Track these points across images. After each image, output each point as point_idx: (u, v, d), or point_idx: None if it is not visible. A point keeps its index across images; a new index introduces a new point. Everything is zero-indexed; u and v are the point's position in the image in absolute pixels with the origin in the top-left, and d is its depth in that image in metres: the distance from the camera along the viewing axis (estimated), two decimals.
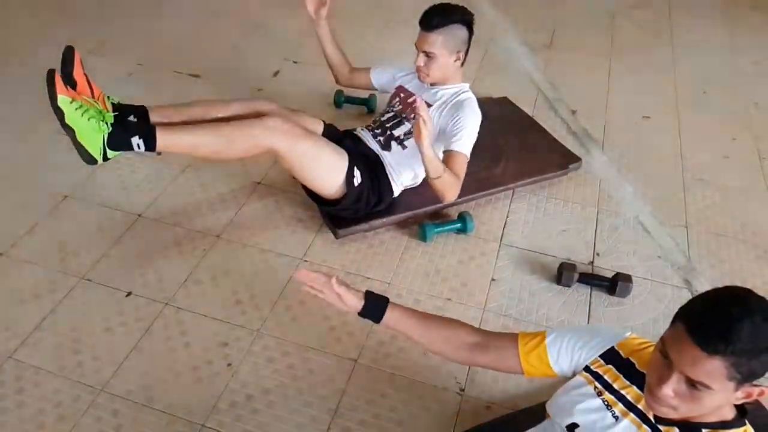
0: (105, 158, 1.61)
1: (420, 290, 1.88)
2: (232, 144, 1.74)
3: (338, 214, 2.01)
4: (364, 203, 1.97)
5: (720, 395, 0.92)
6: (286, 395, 1.58)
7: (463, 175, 1.88)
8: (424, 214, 2.09)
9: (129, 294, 1.80)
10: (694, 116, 2.76)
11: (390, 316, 1.28)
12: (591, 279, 1.92)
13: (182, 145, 1.71)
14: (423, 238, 2.03)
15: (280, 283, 1.87)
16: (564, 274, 1.89)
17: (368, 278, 1.91)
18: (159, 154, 2.27)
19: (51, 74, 1.52)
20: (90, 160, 1.60)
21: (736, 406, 1.03)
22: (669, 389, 0.94)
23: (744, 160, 2.52)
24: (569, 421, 1.12)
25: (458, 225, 2.05)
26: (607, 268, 1.99)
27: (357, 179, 1.91)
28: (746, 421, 1.02)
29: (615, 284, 1.87)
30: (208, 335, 1.70)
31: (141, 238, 1.98)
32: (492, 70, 2.98)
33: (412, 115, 2.04)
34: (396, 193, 2.05)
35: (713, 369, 0.89)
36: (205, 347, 1.67)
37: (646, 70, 3.09)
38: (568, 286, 1.91)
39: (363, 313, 1.29)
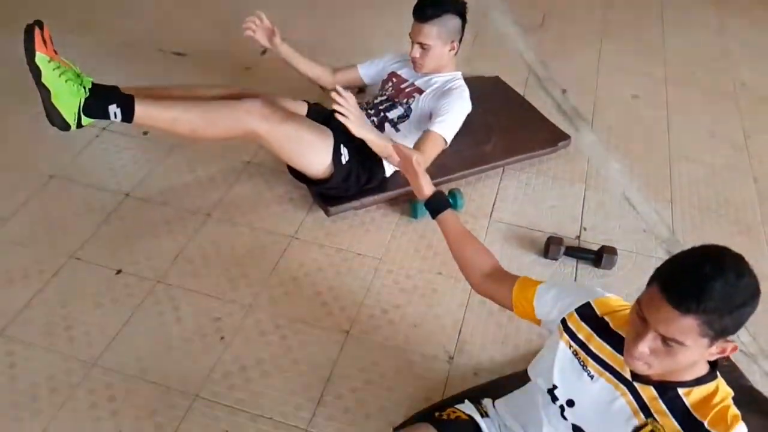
0: (79, 125, 1.56)
1: (411, 265, 1.90)
2: (211, 124, 1.72)
3: (328, 193, 2.02)
4: (354, 181, 1.98)
5: (694, 351, 0.94)
6: (279, 365, 1.60)
7: (432, 155, 1.89)
8: None
9: (119, 272, 1.80)
10: (682, 95, 2.79)
11: (445, 217, 1.38)
12: (577, 252, 1.95)
13: (160, 119, 1.67)
14: (414, 215, 2.05)
15: (271, 260, 1.88)
16: (551, 247, 1.92)
17: (359, 254, 1.92)
18: (145, 133, 2.29)
19: (30, 29, 1.45)
20: (63, 125, 1.54)
21: (709, 362, 1.05)
22: (645, 347, 0.96)
23: (730, 138, 2.56)
24: (550, 383, 1.15)
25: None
26: (593, 242, 2.02)
27: (344, 157, 1.92)
28: (717, 374, 1.05)
29: (600, 257, 1.90)
30: (200, 310, 1.71)
31: (129, 217, 1.98)
32: (484, 49, 2.99)
33: (405, 100, 2.06)
34: (388, 173, 2.05)
35: (686, 327, 0.91)
36: (197, 322, 1.68)
37: (636, 50, 3.12)
38: (555, 259, 1.94)
39: (427, 203, 1.39)
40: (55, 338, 1.61)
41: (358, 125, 1.74)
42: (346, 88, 1.74)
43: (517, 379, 1.37)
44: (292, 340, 1.66)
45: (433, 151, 1.89)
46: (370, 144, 1.81)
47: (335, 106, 1.70)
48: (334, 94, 1.69)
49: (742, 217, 2.18)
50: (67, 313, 1.67)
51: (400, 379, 1.60)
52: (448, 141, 1.94)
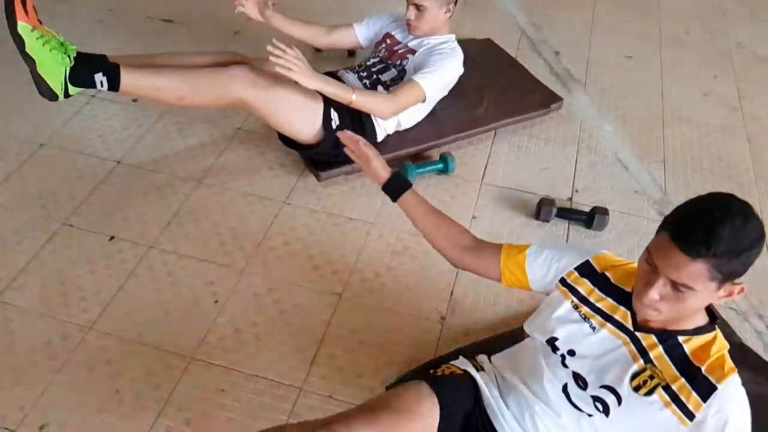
0: (66, 95, 1.56)
1: (402, 229, 1.91)
2: (197, 92, 1.71)
3: (319, 158, 2.01)
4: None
5: (703, 295, 0.97)
6: (273, 327, 1.62)
7: (403, 100, 1.89)
8: (406, 156, 2.10)
9: (112, 238, 1.81)
10: (676, 56, 2.77)
11: (407, 199, 1.35)
12: (569, 213, 1.96)
13: (146, 87, 1.66)
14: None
15: (263, 225, 1.89)
16: (543, 209, 1.93)
17: (351, 219, 1.93)
18: (135, 101, 2.27)
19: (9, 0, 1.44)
20: (51, 95, 1.55)
21: (709, 314, 1.09)
22: (655, 293, 0.98)
23: (723, 98, 2.55)
24: (549, 336, 1.16)
25: (440, 166, 2.07)
26: (585, 203, 2.02)
27: (335, 121, 1.91)
28: (716, 326, 1.08)
29: (592, 218, 1.91)
30: (193, 275, 1.73)
31: (121, 184, 1.98)
32: (475, 11, 2.94)
33: (398, 62, 2.04)
34: (380, 137, 2.04)
35: (696, 271, 0.93)
36: (191, 286, 1.70)
37: (630, 11, 3.07)
38: (547, 220, 1.95)
39: (385, 187, 1.36)
40: (51, 304, 1.63)
41: (307, 75, 1.69)
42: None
43: (511, 336, 1.39)
44: (285, 303, 1.68)
45: (405, 97, 1.88)
46: (328, 95, 1.78)
47: (272, 60, 1.64)
48: (270, 47, 1.63)
49: (735, 176, 2.18)
50: (62, 279, 1.69)
51: (393, 339, 1.62)
52: (428, 96, 1.92)
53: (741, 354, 1.59)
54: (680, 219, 0.98)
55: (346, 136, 1.40)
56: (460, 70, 2.00)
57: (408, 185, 1.35)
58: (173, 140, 2.15)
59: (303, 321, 1.64)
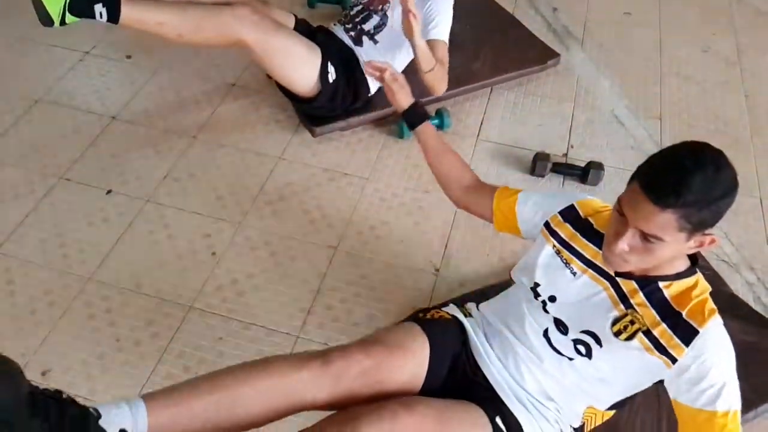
0: (63, 22, 1.54)
1: (398, 184, 1.92)
2: (198, 29, 1.69)
3: (315, 113, 2.00)
4: (340, 100, 1.96)
5: (672, 246, 0.96)
6: (270, 279, 1.65)
7: (447, 62, 1.88)
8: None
9: (109, 191, 1.82)
10: (675, 12, 2.73)
11: (423, 129, 1.39)
12: (564, 168, 1.96)
13: (146, 21, 1.63)
14: (401, 134, 2.05)
15: (259, 180, 1.90)
16: (538, 163, 1.93)
17: (346, 174, 1.94)
18: (129, 57, 2.26)
19: None
20: (46, 20, 1.53)
21: (690, 258, 1.08)
22: (624, 244, 0.97)
23: (722, 55, 2.52)
24: (532, 281, 1.18)
25: (436, 121, 2.06)
26: (580, 159, 2.03)
27: (331, 75, 1.90)
28: (697, 270, 1.08)
29: (587, 172, 1.92)
30: (190, 228, 1.75)
31: (116, 139, 1.98)
32: None
33: (380, 7, 2.00)
34: (372, 90, 2.03)
35: (665, 222, 0.92)
36: (188, 239, 1.72)
37: None
38: (542, 175, 1.95)
39: (404, 114, 1.41)
40: (50, 255, 1.65)
41: (420, 35, 1.73)
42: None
43: (501, 287, 1.40)
44: (281, 256, 1.71)
45: (445, 57, 1.88)
46: (420, 54, 1.77)
47: (409, 6, 1.66)
48: (409, 2, 1.65)
49: (731, 132, 2.18)
50: (61, 232, 1.71)
51: (388, 290, 1.65)
52: (447, 41, 1.90)
53: (731, 304, 1.62)
54: (651, 169, 0.95)
55: (374, 66, 1.42)
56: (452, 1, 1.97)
57: (426, 117, 1.39)
58: (168, 96, 2.14)
59: (299, 273, 1.67)
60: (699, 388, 0.99)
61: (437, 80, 1.85)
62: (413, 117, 1.39)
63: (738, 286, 1.73)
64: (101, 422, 0.94)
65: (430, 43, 1.85)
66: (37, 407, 0.88)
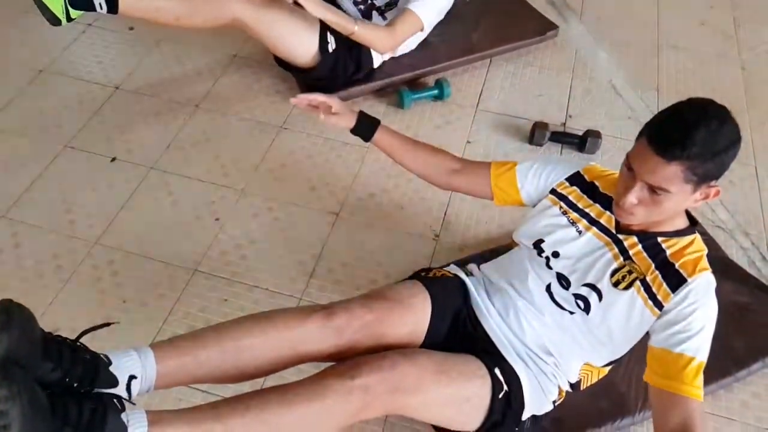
0: (69, 18, 1.58)
1: None
2: (194, 12, 1.71)
3: (316, 84, 2.02)
4: (341, 70, 1.98)
5: (678, 198, 1.00)
6: (272, 243, 1.68)
7: (400, 33, 1.90)
8: (401, 81, 2.11)
9: (114, 159, 1.85)
10: None
11: (380, 137, 1.36)
12: (562, 137, 1.99)
13: (144, 9, 1.66)
14: (401, 105, 2.07)
15: (261, 148, 1.92)
16: (536, 132, 1.96)
17: (347, 143, 1.96)
18: (131, 29, 2.27)
19: None
20: (53, 20, 1.56)
21: (689, 218, 1.13)
22: (633, 197, 1.02)
23: (720, 27, 2.53)
24: (536, 239, 1.21)
25: (435, 92, 2.08)
26: (578, 128, 2.05)
27: (331, 45, 1.91)
28: (695, 231, 1.12)
29: (585, 140, 1.94)
30: (194, 195, 1.78)
31: (120, 109, 2.00)
32: None
33: None
34: (376, 63, 2.05)
35: (671, 174, 0.96)
36: (192, 205, 1.75)
37: None
38: (540, 144, 1.98)
39: (354, 131, 1.36)
40: (57, 220, 1.68)
41: (313, 2, 1.72)
42: None
43: (501, 251, 1.43)
44: (284, 222, 1.74)
45: (403, 29, 1.89)
46: (330, 24, 1.81)
47: None
48: None
49: (727, 104, 2.14)
50: (66, 198, 1.74)
51: (388, 255, 1.68)
52: (425, 24, 1.92)
53: (726, 267, 1.66)
54: (658, 123, 1.00)
55: (302, 101, 1.36)
56: None
57: (377, 123, 1.35)
58: (170, 67, 2.16)
59: (301, 238, 1.70)
60: (672, 331, 1.04)
61: (367, 41, 1.88)
62: (364, 129, 1.36)
63: (733, 251, 1.76)
64: (111, 368, 0.97)
65: (404, 11, 1.90)
66: (50, 351, 0.92)
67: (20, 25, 2.23)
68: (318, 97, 1.34)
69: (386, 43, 1.91)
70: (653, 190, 1.00)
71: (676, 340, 1.03)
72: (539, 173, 1.25)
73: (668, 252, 1.09)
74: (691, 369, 1.01)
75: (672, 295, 1.05)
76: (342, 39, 1.93)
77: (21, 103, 2.00)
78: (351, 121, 1.35)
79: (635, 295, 1.09)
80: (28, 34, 2.21)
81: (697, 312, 1.04)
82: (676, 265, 1.07)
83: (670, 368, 1.03)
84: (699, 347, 1.03)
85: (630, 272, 1.10)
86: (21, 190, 1.75)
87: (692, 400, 1.01)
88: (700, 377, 1.02)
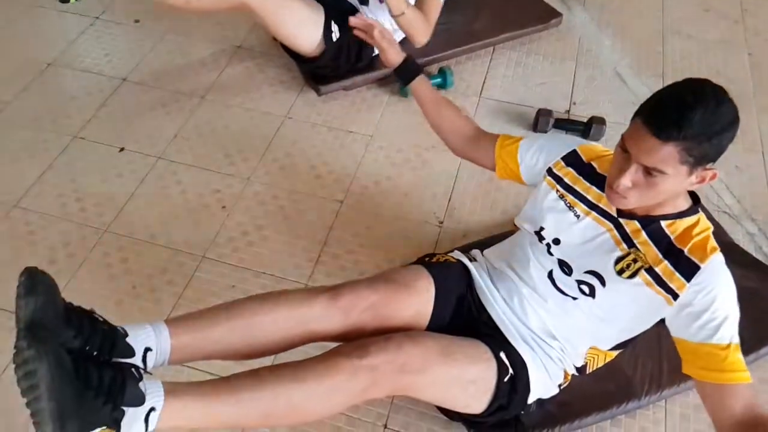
0: None
1: (402, 141, 1.96)
2: None
3: (319, 72, 2.04)
4: (344, 59, 1.99)
5: (674, 180, 0.97)
6: (278, 230, 1.70)
7: (433, 18, 1.89)
8: None
9: (122, 149, 1.88)
10: None
11: (418, 84, 1.39)
12: (566, 124, 1.99)
13: None
14: (404, 93, 2.08)
15: (266, 138, 1.94)
16: (540, 119, 1.96)
17: (351, 132, 1.98)
18: (137, 21, 2.30)
19: None
20: None
21: (692, 197, 1.10)
22: (627, 180, 0.98)
23: (725, 13, 2.52)
24: (537, 226, 1.20)
25: (439, 80, 2.09)
26: (582, 115, 2.06)
27: (335, 34, 1.92)
28: (699, 210, 1.09)
29: (589, 127, 1.94)
30: (201, 183, 1.80)
31: (127, 100, 2.03)
32: None
33: None
34: (377, 50, 2.06)
35: (667, 155, 0.93)
36: (199, 193, 1.78)
37: None
38: (544, 131, 1.98)
39: (397, 71, 1.41)
40: (68, 209, 1.72)
41: None
42: None
43: (504, 237, 1.43)
44: (289, 209, 1.76)
45: (433, 13, 1.89)
46: None
47: None
48: None
49: (733, 90, 2.10)
50: (77, 187, 1.77)
51: (393, 241, 1.70)
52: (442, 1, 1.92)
53: (731, 252, 1.64)
54: (653, 104, 0.97)
55: (360, 22, 1.42)
56: None
57: (420, 71, 1.39)
58: (175, 59, 2.18)
59: (307, 225, 1.72)
60: (700, 323, 1.02)
61: (411, 27, 1.86)
62: (406, 72, 1.39)
63: (740, 236, 1.76)
64: (128, 340, 1.00)
65: None
66: (72, 319, 0.94)
67: (29, 19, 2.27)
68: (376, 25, 1.40)
69: (426, 33, 1.91)
70: (648, 171, 0.97)
71: (708, 332, 1.02)
72: (538, 151, 1.23)
73: (673, 237, 1.06)
74: (733, 355, 1.00)
75: (687, 284, 1.03)
76: (345, 28, 1.94)
77: (30, 96, 2.03)
78: (398, 60, 1.39)
79: (642, 284, 1.07)
80: (36, 28, 2.24)
81: (719, 297, 1.02)
82: (686, 252, 1.04)
83: (711, 360, 1.01)
84: (731, 331, 1.02)
85: (635, 260, 1.08)
86: (32, 180, 1.78)
87: (745, 385, 1.00)
88: (741, 358, 1.01)
